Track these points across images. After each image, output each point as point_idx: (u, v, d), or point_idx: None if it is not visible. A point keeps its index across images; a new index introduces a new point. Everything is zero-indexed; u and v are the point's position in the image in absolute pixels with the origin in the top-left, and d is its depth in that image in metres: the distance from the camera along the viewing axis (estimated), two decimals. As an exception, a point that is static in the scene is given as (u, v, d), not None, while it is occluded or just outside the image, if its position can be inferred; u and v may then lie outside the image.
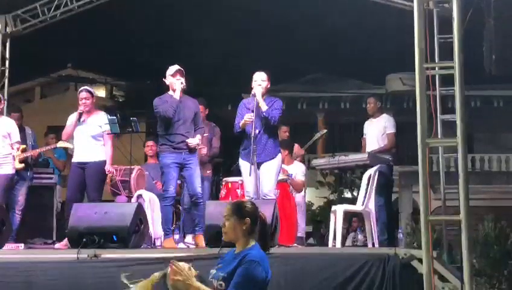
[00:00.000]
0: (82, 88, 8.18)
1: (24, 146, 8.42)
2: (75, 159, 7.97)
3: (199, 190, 7.50)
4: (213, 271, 4.06)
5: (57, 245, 7.92)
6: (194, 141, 7.49)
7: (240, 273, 3.89)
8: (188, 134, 7.50)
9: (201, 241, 7.23)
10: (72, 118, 8.02)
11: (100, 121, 8.00)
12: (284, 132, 9.52)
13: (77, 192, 7.86)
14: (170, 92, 7.61)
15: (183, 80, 7.56)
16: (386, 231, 8.54)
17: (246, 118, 7.20)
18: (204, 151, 8.47)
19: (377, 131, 8.85)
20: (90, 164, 7.85)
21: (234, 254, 4.08)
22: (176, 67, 7.62)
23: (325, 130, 9.29)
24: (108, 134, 7.95)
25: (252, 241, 4.05)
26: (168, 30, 21.58)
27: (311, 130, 13.12)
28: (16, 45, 11.25)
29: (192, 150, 7.51)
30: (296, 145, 9.59)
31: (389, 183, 8.85)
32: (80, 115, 7.92)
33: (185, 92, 7.61)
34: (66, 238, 7.66)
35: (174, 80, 7.54)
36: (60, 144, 8.44)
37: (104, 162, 7.93)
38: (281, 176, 7.81)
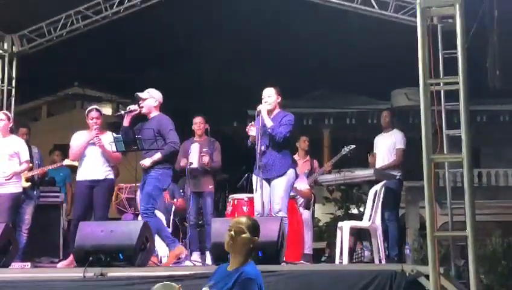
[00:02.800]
0: (92, 107, 8.20)
1: (31, 165, 8.44)
2: (83, 177, 7.95)
3: (142, 208, 7.53)
4: (205, 289, 4.03)
5: (59, 264, 7.90)
6: (145, 162, 7.51)
7: None
8: (145, 154, 7.59)
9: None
10: (82, 137, 8.02)
11: (109, 140, 8.03)
12: (303, 142, 9.54)
13: (85, 210, 7.88)
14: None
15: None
16: (397, 247, 8.54)
17: (250, 132, 7.26)
18: (206, 159, 8.51)
19: (387, 146, 8.86)
20: (101, 182, 7.87)
21: (227, 271, 4.02)
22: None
23: (353, 146, 9.24)
24: (114, 153, 7.98)
25: (247, 259, 4.04)
26: (174, 48, 21.66)
27: (317, 146, 13.13)
28: (23, 63, 11.33)
29: (147, 170, 7.53)
30: (315, 161, 9.61)
31: (396, 198, 8.84)
32: (96, 137, 7.91)
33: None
34: (70, 257, 7.68)
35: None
36: (66, 162, 8.47)
37: (113, 180, 8.00)
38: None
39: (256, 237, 4.04)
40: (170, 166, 7.61)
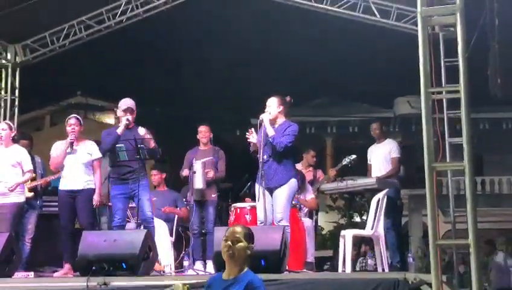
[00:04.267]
0: (71, 116, 8.22)
1: (33, 175, 8.46)
2: (64, 187, 7.98)
3: (150, 214, 7.70)
4: None
5: (55, 274, 7.90)
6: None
7: None
8: (132, 163, 7.69)
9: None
10: (60, 146, 8.04)
11: (90, 149, 8.04)
12: (311, 157, 9.56)
13: (70, 219, 7.91)
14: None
15: (130, 117, 7.83)
16: (398, 253, 8.55)
17: (250, 139, 7.28)
18: (211, 174, 8.49)
19: (382, 156, 8.91)
20: (82, 191, 7.88)
21: (224, 280, 4.05)
22: (127, 104, 7.92)
23: (354, 156, 9.26)
24: (94, 160, 8.02)
25: (246, 266, 4.10)
26: (176, 57, 21.68)
27: (319, 155, 13.11)
28: (26, 73, 11.37)
29: (140, 178, 7.65)
30: (318, 171, 9.63)
31: (398, 206, 8.86)
32: (72, 143, 7.95)
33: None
34: (66, 266, 7.69)
35: (122, 116, 7.86)
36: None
37: (94, 190, 7.97)
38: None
39: (252, 245, 4.11)
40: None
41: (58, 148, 8.07)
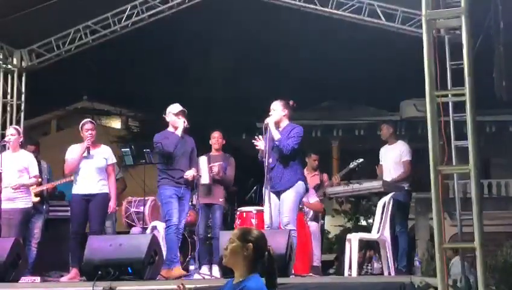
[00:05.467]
0: (86, 120, 8.22)
1: (40, 180, 8.47)
2: (77, 191, 7.97)
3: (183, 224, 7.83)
4: None
5: (62, 279, 7.91)
6: (190, 172, 7.80)
7: None
8: (187, 169, 7.82)
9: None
10: (76, 150, 8.04)
11: (105, 153, 8.05)
12: (313, 161, 9.56)
13: (82, 224, 7.91)
14: (170, 129, 7.95)
15: (184, 120, 7.89)
16: (406, 258, 8.52)
17: (259, 146, 7.27)
18: (215, 169, 8.52)
19: (393, 158, 8.86)
20: (97, 195, 7.88)
21: (233, 284, 3.92)
22: (178, 107, 7.96)
23: (361, 159, 9.25)
24: (109, 165, 8.02)
25: (251, 272, 3.85)
26: (183, 61, 21.69)
27: (325, 158, 13.14)
28: (32, 78, 11.40)
29: (188, 186, 7.81)
30: (324, 175, 9.62)
31: (405, 210, 8.83)
32: (88, 148, 7.96)
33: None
34: (73, 271, 7.70)
35: (177, 119, 7.87)
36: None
37: (108, 195, 7.98)
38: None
39: (249, 244, 3.87)
40: None
41: (73, 151, 8.06)
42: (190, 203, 9.17)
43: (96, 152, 8.03)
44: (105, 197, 7.96)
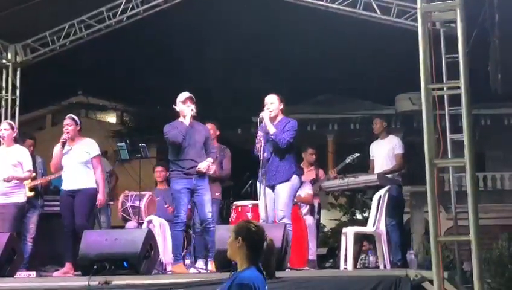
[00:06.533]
0: (66, 116, 8.18)
1: (34, 174, 8.46)
2: (64, 187, 7.93)
3: (209, 215, 7.56)
4: None
5: (55, 273, 7.88)
6: (203, 164, 7.55)
7: None
8: (199, 159, 7.58)
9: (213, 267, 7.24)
10: (57, 148, 8.01)
11: (87, 147, 7.99)
12: (310, 155, 9.54)
13: (71, 219, 7.81)
14: (180, 119, 7.72)
15: (193, 106, 7.69)
16: (400, 252, 8.53)
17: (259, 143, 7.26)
18: (212, 169, 8.46)
19: (385, 152, 8.85)
20: (81, 191, 7.81)
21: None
22: (186, 94, 7.74)
23: (357, 154, 9.25)
24: (93, 158, 7.93)
25: (247, 264, 3.98)
26: (178, 56, 21.69)
27: (321, 152, 13.13)
28: (27, 73, 11.36)
29: (202, 175, 7.57)
30: (320, 170, 9.61)
31: (400, 203, 8.83)
32: (64, 143, 7.90)
33: (195, 117, 7.70)
34: (67, 265, 7.68)
35: (184, 107, 7.67)
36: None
37: (94, 189, 7.88)
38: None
39: (240, 237, 3.99)
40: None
41: (55, 150, 8.04)
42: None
43: (77, 147, 7.94)
44: (90, 192, 7.85)
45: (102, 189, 7.92)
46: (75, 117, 8.16)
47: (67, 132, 7.91)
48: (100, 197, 7.90)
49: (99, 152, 8.04)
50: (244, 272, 3.93)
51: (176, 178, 7.59)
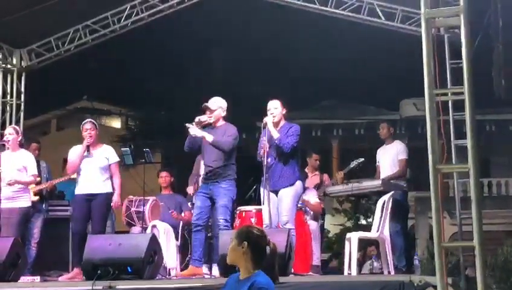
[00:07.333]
0: (86, 120, 8.25)
1: (38, 179, 8.47)
2: (81, 191, 7.98)
3: (221, 221, 7.52)
4: None
5: (61, 278, 7.90)
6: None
7: None
8: (215, 163, 7.52)
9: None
10: (77, 150, 8.05)
11: (107, 153, 8.05)
12: (315, 160, 9.55)
13: (84, 224, 7.89)
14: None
15: (207, 113, 7.65)
16: (404, 258, 8.52)
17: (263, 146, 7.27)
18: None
19: (390, 158, 8.87)
20: (98, 195, 7.88)
21: (239, 279, 4.03)
22: (210, 102, 7.73)
23: (361, 159, 9.25)
24: (112, 164, 8.00)
25: (254, 268, 3.99)
26: (182, 61, 21.71)
27: (325, 158, 13.15)
28: (32, 78, 11.39)
29: (217, 178, 7.50)
30: (325, 175, 9.62)
31: (404, 209, 8.83)
32: (88, 147, 7.96)
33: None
34: (74, 270, 7.69)
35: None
36: (74, 176, 8.48)
37: (111, 194, 7.97)
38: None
39: (245, 242, 3.99)
40: (235, 177, 7.67)
41: (75, 152, 8.08)
42: (190, 203, 9.16)
43: (98, 152, 8.04)
44: (108, 197, 7.95)
45: (118, 191, 8.02)
46: (95, 122, 8.24)
47: (91, 136, 7.98)
48: (115, 199, 7.98)
49: (118, 159, 8.12)
50: (259, 277, 3.93)
51: (201, 183, 7.79)
